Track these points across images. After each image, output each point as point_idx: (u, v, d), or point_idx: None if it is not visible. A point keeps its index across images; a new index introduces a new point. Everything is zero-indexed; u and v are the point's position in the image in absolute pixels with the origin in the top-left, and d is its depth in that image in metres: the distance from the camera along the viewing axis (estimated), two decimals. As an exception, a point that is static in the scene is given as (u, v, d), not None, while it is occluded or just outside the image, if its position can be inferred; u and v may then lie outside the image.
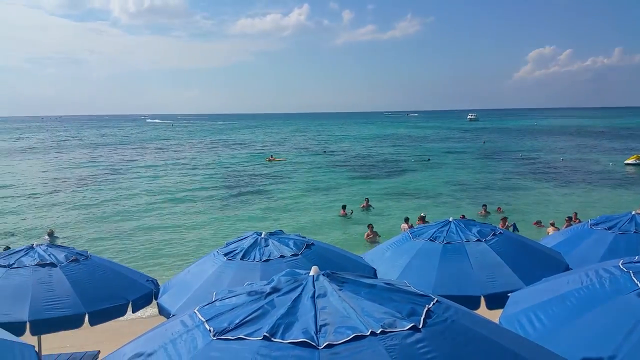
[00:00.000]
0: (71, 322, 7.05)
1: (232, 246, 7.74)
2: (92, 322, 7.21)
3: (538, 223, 22.93)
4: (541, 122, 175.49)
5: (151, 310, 9.86)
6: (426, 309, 3.16)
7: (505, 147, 72.04)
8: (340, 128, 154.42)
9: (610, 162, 49.08)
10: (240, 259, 7.29)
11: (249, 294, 3.42)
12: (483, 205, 26.43)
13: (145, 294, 8.04)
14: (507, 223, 20.45)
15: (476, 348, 3.05)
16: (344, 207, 27.07)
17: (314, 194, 34.85)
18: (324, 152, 68.72)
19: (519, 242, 8.21)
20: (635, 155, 47.19)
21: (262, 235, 7.87)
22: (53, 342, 9.54)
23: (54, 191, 37.28)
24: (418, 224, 18.90)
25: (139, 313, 8.86)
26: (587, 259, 7.80)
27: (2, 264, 7.49)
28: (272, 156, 59.66)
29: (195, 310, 3.36)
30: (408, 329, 2.94)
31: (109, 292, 7.60)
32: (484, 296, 6.96)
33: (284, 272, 3.72)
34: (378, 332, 2.89)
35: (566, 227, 17.03)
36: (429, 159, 55.16)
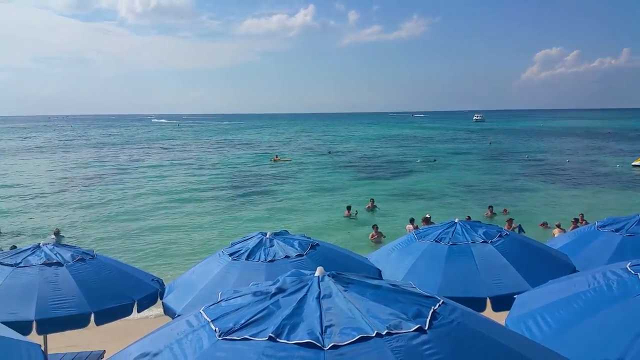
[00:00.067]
0: (77, 321, 7.08)
1: (237, 246, 7.74)
2: (98, 322, 7.24)
3: (544, 224, 22.85)
4: (548, 123, 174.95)
5: (156, 310, 9.89)
6: (432, 310, 3.14)
7: (512, 148, 71.86)
8: (346, 128, 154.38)
9: (618, 163, 48.85)
10: (245, 259, 7.28)
11: (255, 294, 3.41)
12: (489, 206, 26.36)
13: (150, 293, 8.06)
14: (512, 224, 20.39)
15: (482, 350, 3.03)
16: (348, 207, 27.05)
17: (319, 195, 34.85)
18: (329, 152, 68.69)
19: (525, 244, 8.18)
20: (642, 157, 47.04)
21: (267, 236, 7.87)
22: (59, 342, 9.57)
23: (61, 190, 37.43)
24: (422, 225, 18.88)
25: (145, 313, 8.88)
26: (594, 261, 7.76)
27: (9, 263, 7.52)
28: (277, 156, 59.71)
29: (200, 310, 3.35)
30: (414, 331, 2.92)
31: (114, 292, 7.63)
32: (489, 298, 6.95)
33: (289, 273, 3.72)
34: (384, 333, 2.87)
35: (572, 228, 16.99)
36: (434, 160, 55.07)
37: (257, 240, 7.71)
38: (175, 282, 8.16)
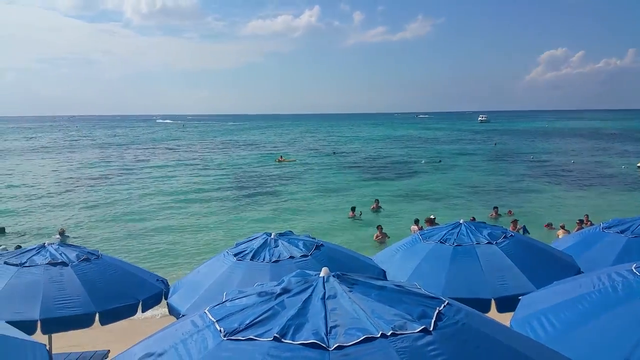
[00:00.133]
0: (82, 321, 7.08)
1: (241, 247, 7.74)
2: (103, 322, 7.25)
3: (549, 225, 22.80)
4: (553, 124, 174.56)
5: (161, 310, 9.91)
6: (437, 311, 3.14)
7: (517, 149, 71.73)
8: (350, 129, 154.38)
9: (623, 164, 48.69)
10: (250, 260, 7.29)
11: (260, 294, 3.42)
12: (494, 207, 26.30)
13: (155, 293, 8.07)
14: (517, 225, 20.33)
15: (487, 351, 3.03)
16: (353, 208, 27.03)
17: (323, 195, 34.85)
18: (334, 153, 68.68)
19: (530, 245, 8.16)
20: (648, 158, 46.87)
21: (272, 236, 7.86)
22: (63, 341, 9.60)
23: (66, 191, 37.54)
24: (426, 226, 18.85)
25: (149, 313, 8.90)
26: (599, 262, 7.73)
27: (14, 262, 7.54)
28: (282, 157, 59.78)
29: (205, 311, 3.36)
30: (419, 332, 2.92)
31: (119, 292, 7.64)
32: (494, 299, 6.93)
33: (294, 273, 3.72)
34: (388, 334, 2.88)
35: (577, 230, 16.94)
36: (440, 161, 55.03)
37: (262, 241, 7.71)
38: (179, 282, 8.17)
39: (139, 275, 8.43)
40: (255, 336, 2.93)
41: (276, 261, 7.19)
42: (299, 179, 43.19)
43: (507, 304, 6.63)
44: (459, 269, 7.41)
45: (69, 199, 34.07)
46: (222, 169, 51.48)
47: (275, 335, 2.90)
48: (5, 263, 7.53)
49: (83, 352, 9.80)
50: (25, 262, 7.56)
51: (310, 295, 3.31)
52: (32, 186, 40.04)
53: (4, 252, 8.64)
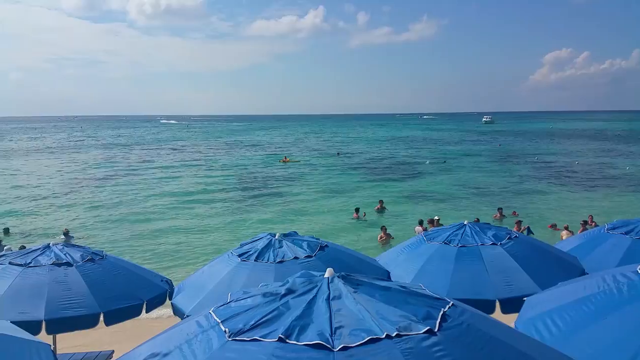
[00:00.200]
0: (86, 321, 7.10)
1: (246, 247, 7.75)
2: (107, 322, 7.26)
3: (553, 226, 22.73)
4: (557, 125, 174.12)
5: (165, 310, 9.92)
6: (442, 312, 3.14)
7: (521, 150, 71.56)
8: (355, 130, 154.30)
9: (628, 165, 48.54)
10: (254, 260, 7.30)
11: (264, 295, 3.42)
12: (498, 208, 26.23)
13: (159, 294, 8.08)
14: (521, 226, 20.29)
15: (492, 352, 3.03)
16: (357, 209, 27.00)
17: (328, 196, 34.82)
18: (338, 154, 68.62)
19: (534, 246, 8.15)
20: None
21: (276, 237, 7.88)
22: (68, 342, 9.62)
23: (71, 191, 37.62)
24: (430, 227, 18.83)
25: (154, 313, 8.91)
26: (603, 263, 7.72)
27: (19, 262, 7.57)
28: (286, 157, 59.80)
29: (210, 311, 3.37)
30: (424, 333, 2.92)
31: (124, 292, 7.65)
32: (499, 300, 6.92)
33: (299, 274, 3.73)
34: (393, 335, 2.88)
35: (581, 231, 16.90)
36: (444, 161, 54.96)
37: (266, 241, 7.73)
38: (184, 282, 8.18)
39: (144, 275, 8.44)
40: (260, 337, 2.93)
41: (280, 262, 7.21)
42: (303, 179, 43.18)
43: (512, 305, 6.62)
44: (463, 270, 7.41)
45: (73, 200, 34.14)
46: (227, 169, 51.50)
47: (280, 336, 2.90)
48: (10, 263, 7.56)
49: (88, 353, 9.81)
50: (30, 262, 7.59)
51: (315, 296, 3.31)
52: (36, 186, 40.14)
53: (9, 252, 8.66)
